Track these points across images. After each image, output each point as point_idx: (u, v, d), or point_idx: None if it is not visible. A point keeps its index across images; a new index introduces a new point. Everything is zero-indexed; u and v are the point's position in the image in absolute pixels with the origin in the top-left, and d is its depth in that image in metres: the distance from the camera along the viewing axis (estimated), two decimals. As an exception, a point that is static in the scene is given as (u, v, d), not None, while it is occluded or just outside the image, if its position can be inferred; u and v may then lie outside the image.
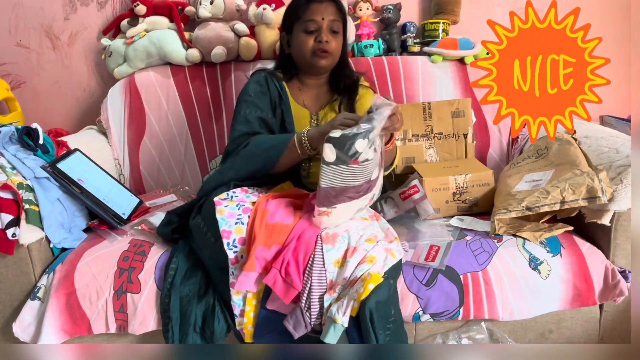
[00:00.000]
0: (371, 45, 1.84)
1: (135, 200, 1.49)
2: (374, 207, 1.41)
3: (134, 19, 1.83)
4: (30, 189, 1.21)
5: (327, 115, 1.41)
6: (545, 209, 1.21)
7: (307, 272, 1.02)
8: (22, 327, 1.17)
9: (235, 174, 1.24)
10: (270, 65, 1.68)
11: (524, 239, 1.24)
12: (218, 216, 1.10)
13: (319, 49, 1.32)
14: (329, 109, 1.42)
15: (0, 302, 1.22)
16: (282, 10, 1.76)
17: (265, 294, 1.05)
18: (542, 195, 1.22)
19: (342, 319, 0.96)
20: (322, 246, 1.04)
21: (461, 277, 1.17)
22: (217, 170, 1.29)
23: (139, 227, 1.34)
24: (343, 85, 1.44)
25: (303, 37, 1.34)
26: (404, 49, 1.90)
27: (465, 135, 1.61)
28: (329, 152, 0.99)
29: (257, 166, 1.22)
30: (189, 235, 1.23)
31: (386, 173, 1.37)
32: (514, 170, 1.45)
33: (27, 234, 1.17)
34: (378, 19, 1.90)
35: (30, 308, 1.18)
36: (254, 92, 1.35)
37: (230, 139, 1.31)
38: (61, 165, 1.29)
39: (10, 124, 1.37)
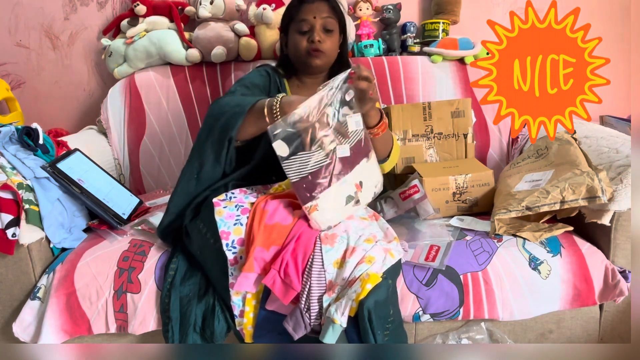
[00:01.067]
0: (371, 45, 1.84)
1: (135, 200, 1.49)
2: (373, 206, 1.42)
3: (134, 19, 1.83)
4: (30, 189, 1.21)
5: None
6: (545, 208, 1.21)
7: (306, 273, 1.02)
8: (22, 327, 1.17)
9: (205, 138, 1.16)
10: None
11: (524, 239, 1.23)
12: (217, 217, 1.10)
13: (312, 49, 1.33)
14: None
15: (0, 302, 1.22)
16: (282, 10, 1.76)
17: (265, 294, 1.05)
18: (542, 195, 1.22)
19: (341, 319, 0.96)
20: (321, 247, 1.04)
21: (461, 277, 1.17)
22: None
23: (139, 227, 1.34)
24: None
25: (297, 37, 1.35)
26: (404, 49, 1.90)
27: (465, 135, 1.61)
28: (281, 149, 1.00)
29: (220, 126, 1.13)
30: (186, 237, 1.22)
31: (387, 168, 1.37)
32: (514, 170, 1.45)
33: (27, 234, 1.17)
34: (378, 19, 1.90)
35: (30, 308, 1.18)
36: (251, 78, 1.36)
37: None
38: (61, 165, 1.29)
39: (10, 124, 1.37)
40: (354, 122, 1.07)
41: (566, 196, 1.20)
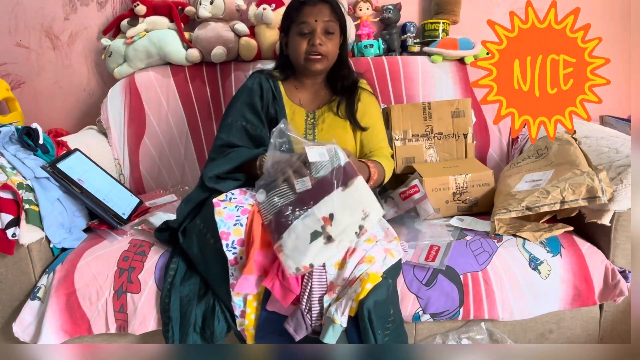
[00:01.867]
0: (371, 45, 1.84)
1: (135, 200, 1.49)
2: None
3: (134, 19, 1.83)
4: (30, 189, 1.21)
5: (324, 115, 1.41)
6: (545, 208, 1.21)
7: (307, 274, 1.02)
8: (22, 327, 1.17)
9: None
10: (270, 65, 1.68)
11: (524, 239, 1.23)
12: (217, 217, 1.10)
13: (312, 52, 1.33)
14: (326, 109, 1.42)
15: (0, 302, 1.22)
16: (282, 10, 1.76)
17: (266, 295, 1.06)
18: (542, 195, 1.22)
19: (341, 319, 0.96)
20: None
21: (461, 277, 1.17)
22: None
23: (139, 227, 1.34)
24: (341, 85, 1.44)
25: (297, 40, 1.34)
26: (404, 49, 1.90)
27: (465, 135, 1.61)
28: (260, 196, 1.10)
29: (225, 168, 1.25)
30: (185, 238, 1.21)
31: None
32: (514, 170, 1.45)
33: (27, 234, 1.17)
34: (378, 19, 1.90)
35: (30, 308, 1.18)
36: (244, 99, 1.37)
37: (213, 146, 1.34)
38: (61, 165, 1.29)
39: (10, 124, 1.37)
40: (316, 153, 1.05)
41: (566, 196, 1.20)
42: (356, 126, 1.40)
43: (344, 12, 1.43)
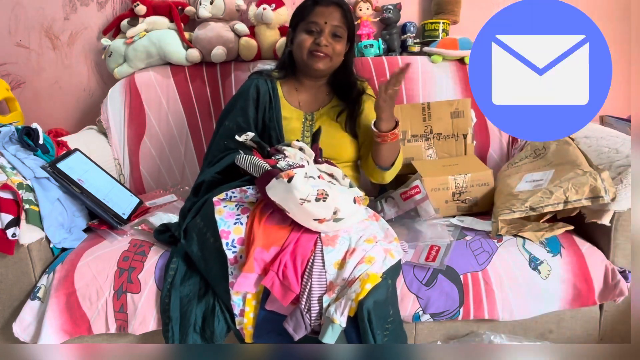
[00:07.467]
0: (371, 45, 1.84)
1: (135, 200, 1.49)
2: (374, 207, 1.42)
3: (134, 19, 1.83)
4: (30, 189, 1.21)
5: (322, 117, 1.41)
6: (549, 209, 1.21)
7: (306, 273, 1.02)
8: (22, 327, 1.17)
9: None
10: (269, 65, 1.68)
11: (524, 238, 1.23)
12: (217, 216, 1.10)
13: (315, 50, 1.33)
14: (325, 111, 1.43)
15: (0, 302, 1.22)
16: (282, 10, 1.77)
17: (265, 294, 1.05)
18: (546, 196, 1.22)
19: (340, 319, 0.96)
20: (322, 248, 1.04)
21: (461, 277, 1.17)
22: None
23: (139, 227, 1.34)
24: (348, 95, 1.44)
25: (303, 36, 1.35)
26: (404, 49, 1.90)
27: (464, 136, 1.61)
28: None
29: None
30: (185, 237, 1.21)
31: (388, 178, 1.42)
32: (513, 170, 1.45)
33: (27, 234, 1.17)
34: (378, 19, 1.90)
35: (30, 308, 1.18)
36: (240, 103, 1.38)
37: (208, 151, 1.39)
38: (61, 165, 1.29)
39: (10, 124, 1.37)
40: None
41: (569, 196, 1.19)
42: (352, 137, 1.43)
43: (354, 20, 1.44)
